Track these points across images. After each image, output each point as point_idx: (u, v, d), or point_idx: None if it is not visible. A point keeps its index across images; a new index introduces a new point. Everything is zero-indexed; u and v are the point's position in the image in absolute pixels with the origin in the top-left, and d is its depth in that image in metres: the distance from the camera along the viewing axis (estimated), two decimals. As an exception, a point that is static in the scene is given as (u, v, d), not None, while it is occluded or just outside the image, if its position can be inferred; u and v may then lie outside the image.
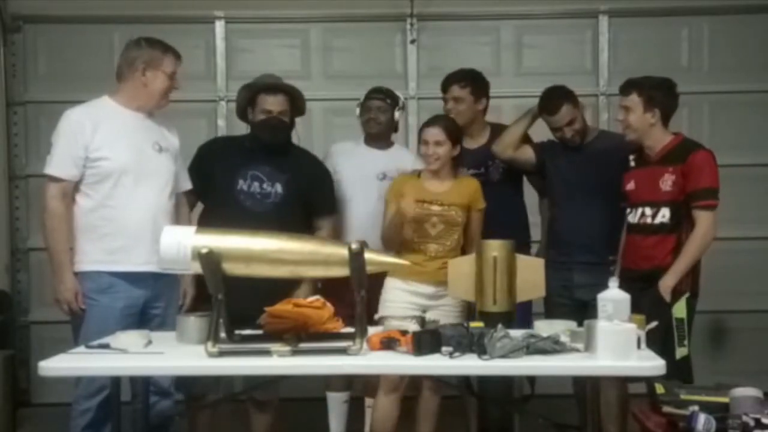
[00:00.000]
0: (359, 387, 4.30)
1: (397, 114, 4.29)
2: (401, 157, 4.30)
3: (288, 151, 4.05)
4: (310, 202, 4.05)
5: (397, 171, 4.18)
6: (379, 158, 4.26)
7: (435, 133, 3.84)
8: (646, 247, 3.77)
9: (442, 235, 3.85)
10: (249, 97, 4.01)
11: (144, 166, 3.57)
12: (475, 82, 4.28)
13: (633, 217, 3.84)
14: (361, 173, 4.20)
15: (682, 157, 3.73)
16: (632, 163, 3.90)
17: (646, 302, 3.60)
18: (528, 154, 4.19)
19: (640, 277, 3.72)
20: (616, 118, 3.85)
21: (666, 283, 3.67)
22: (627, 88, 3.81)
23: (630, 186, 3.86)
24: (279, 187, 3.96)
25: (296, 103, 4.05)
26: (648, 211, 3.78)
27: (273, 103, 3.97)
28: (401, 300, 3.82)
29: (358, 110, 4.32)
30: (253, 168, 3.96)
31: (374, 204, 4.11)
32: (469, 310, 3.85)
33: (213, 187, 3.95)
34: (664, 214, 3.74)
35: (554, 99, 4.07)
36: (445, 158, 3.85)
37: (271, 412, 4.16)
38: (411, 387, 4.03)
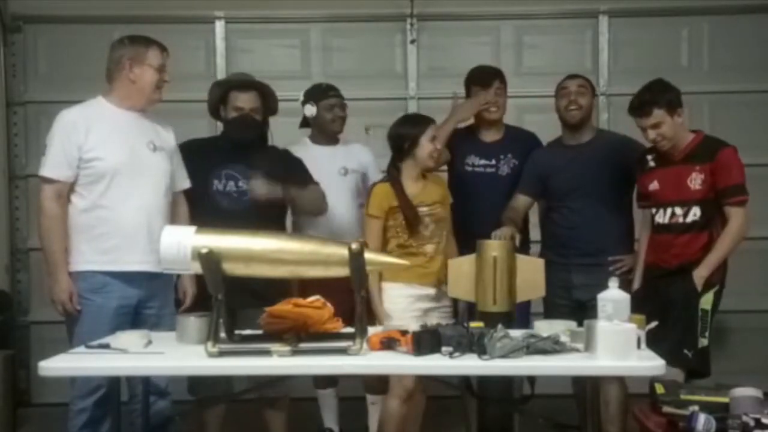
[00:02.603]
0: (364, 385, 4.32)
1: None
2: (358, 152, 4.34)
3: (261, 149, 4.06)
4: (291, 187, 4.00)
5: (359, 165, 4.26)
6: (334, 154, 4.29)
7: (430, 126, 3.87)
8: (679, 245, 3.77)
9: (435, 233, 3.86)
10: (221, 94, 4.03)
11: (138, 165, 3.56)
12: (504, 79, 4.36)
13: (662, 217, 3.82)
14: (323, 172, 4.18)
15: (708, 154, 3.74)
16: (652, 163, 3.89)
17: (676, 290, 3.63)
18: (526, 203, 4.19)
19: (669, 273, 3.76)
20: (648, 140, 3.81)
21: (700, 273, 3.70)
22: (644, 107, 3.74)
23: (653, 186, 3.85)
24: None
25: (268, 101, 4.09)
26: (678, 210, 3.77)
27: (244, 100, 4.00)
28: (404, 308, 3.76)
29: (313, 109, 4.28)
30: (227, 167, 3.97)
31: (342, 200, 4.16)
32: (455, 311, 3.91)
33: (190, 189, 3.91)
34: (696, 213, 3.75)
35: (574, 74, 4.21)
36: None
37: (284, 410, 4.19)
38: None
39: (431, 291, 3.84)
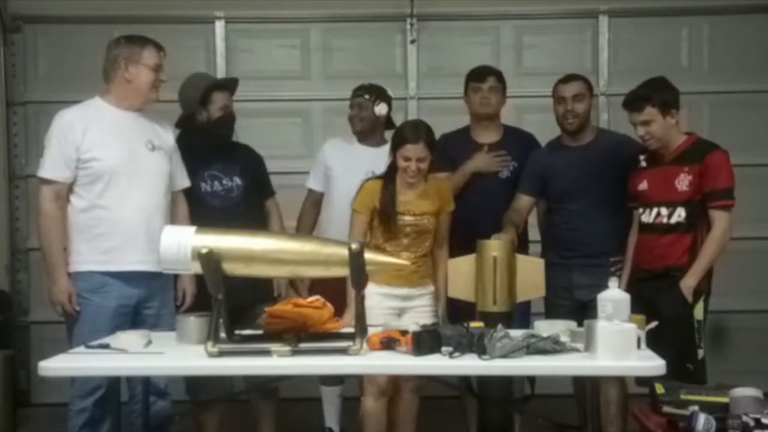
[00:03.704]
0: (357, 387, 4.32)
1: (380, 108, 4.27)
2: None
3: (232, 146, 4.14)
4: (260, 186, 4.17)
5: None
6: (370, 156, 4.26)
7: (419, 150, 3.70)
8: (661, 246, 3.76)
9: (413, 243, 3.79)
10: (204, 94, 4.00)
11: (136, 165, 3.56)
12: (503, 79, 4.35)
13: (647, 217, 3.81)
14: (352, 171, 4.20)
15: (698, 157, 3.72)
16: (643, 163, 3.87)
17: (668, 304, 3.62)
18: (528, 203, 4.17)
19: (653, 276, 3.73)
20: (637, 135, 3.80)
21: (687, 284, 3.67)
22: (637, 103, 3.74)
23: (642, 186, 3.84)
24: (237, 180, 4.04)
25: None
26: (664, 211, 3.76)
27: (227, 99, 4.04)
28: (378, 305, 3.70)
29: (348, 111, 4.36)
30: (209, 168, 4.00)
31: None
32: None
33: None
34: (680, 214, 3.73)
35: (571, 75, 4.18)
36: (425, 171, 3.76)
37: (275, 401, 4.21)
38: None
39: (403, 291, 3.79)
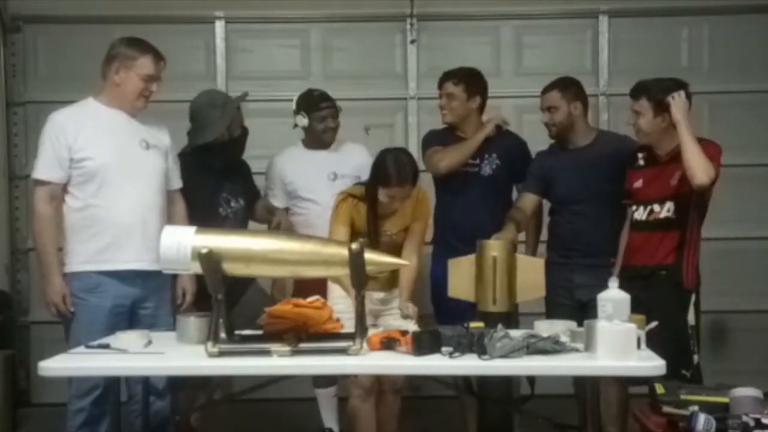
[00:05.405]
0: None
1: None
2: (352, 154, 4.28)
3: (235, 164, 4.15)
4: (252, 197, 4.20)
5: (352, 169, 4.17)
6: (326, 159, 4.24)
7: (405, 191, 3.66)
8: (651, 242, 3.76)
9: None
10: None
11: (130, 163, 3.56)
12: (469, 79, 4.23)
13: (640, 214, 3.81)
14: (313, 177, 4.19)
15: None
16: (641, 162, 3.87)
17: (659, 308, 3.58)
18: (533, 201, 4.15)
19: (640, 274, 3.72)
20: (627, 122, 3.83)
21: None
22: (637, 92, 3.76)
23: (638, 184, 3.84)
24: (240, 200, 4.07)
25: None
26: (656, 207, 3.77)
27: (242, 115, 4.05)
28: (343, 309, 3.50)
29: (305, 121, 4.25)
30: (222, 190, 4.02)
31: (329, 206, 3.99)
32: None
33: (194, 211, 3.82)
34: (669, 208, 3.73)
35: (553, 82, 4.12)
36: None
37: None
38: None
39: (379, 295, 3.76)
